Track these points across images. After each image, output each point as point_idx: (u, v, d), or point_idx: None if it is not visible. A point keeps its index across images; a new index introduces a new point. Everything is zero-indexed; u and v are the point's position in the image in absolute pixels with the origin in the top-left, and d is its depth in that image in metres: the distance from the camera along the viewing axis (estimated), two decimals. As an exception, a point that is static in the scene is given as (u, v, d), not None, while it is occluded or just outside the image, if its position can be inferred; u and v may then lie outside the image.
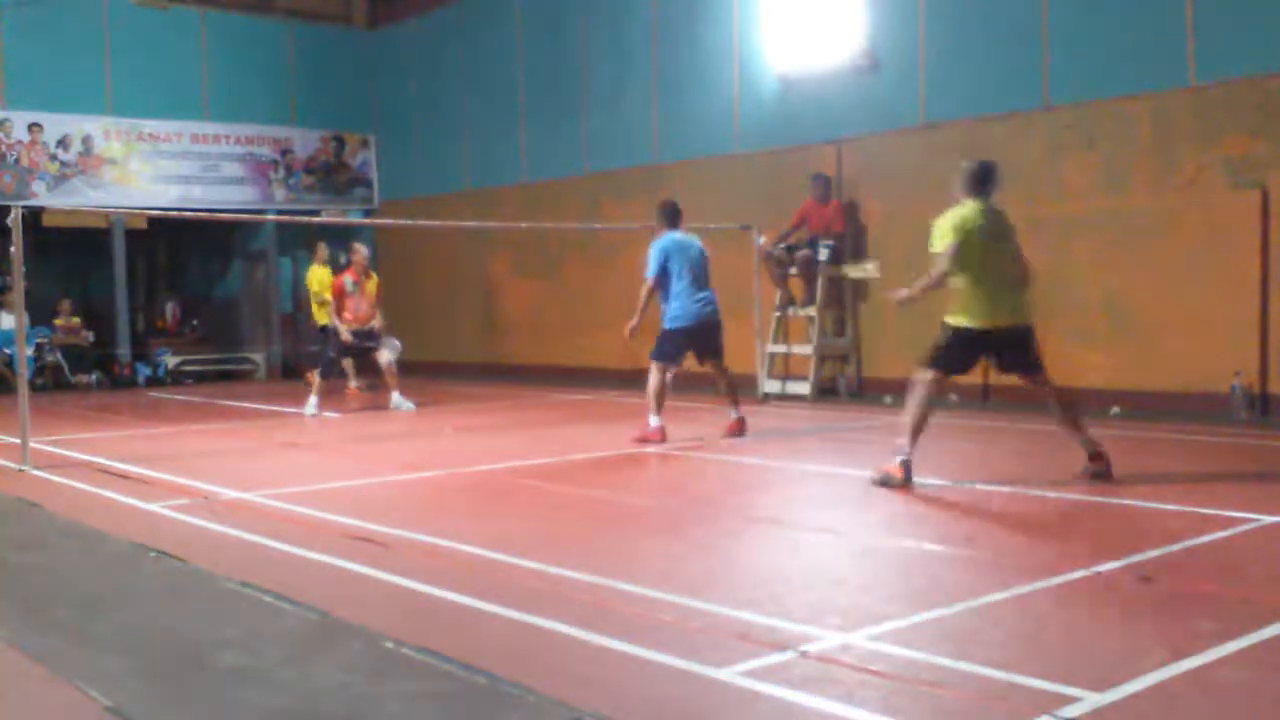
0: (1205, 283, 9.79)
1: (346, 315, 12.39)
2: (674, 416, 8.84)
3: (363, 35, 19.13)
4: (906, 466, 6.56)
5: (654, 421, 8.69)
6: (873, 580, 4.72)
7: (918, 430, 6.66)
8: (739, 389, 9.39)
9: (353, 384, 14.54)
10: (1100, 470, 6.68)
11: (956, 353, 6.75)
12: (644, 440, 8.62)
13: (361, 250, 12.80)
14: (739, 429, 9.00)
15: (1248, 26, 9.56)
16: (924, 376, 6.72)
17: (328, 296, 13.23)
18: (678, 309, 8.77)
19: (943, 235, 6.78)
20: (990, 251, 6.75)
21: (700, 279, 8.88)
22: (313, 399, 11.78)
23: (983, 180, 7.00)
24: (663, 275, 8.79)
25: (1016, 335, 6.78)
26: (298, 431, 10.55)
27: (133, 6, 16.69)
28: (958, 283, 6.68)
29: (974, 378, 11.35)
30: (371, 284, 12.58)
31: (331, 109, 18.52)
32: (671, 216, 9.10)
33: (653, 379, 8.78)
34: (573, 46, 15.52)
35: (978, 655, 3.57)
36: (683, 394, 12.94)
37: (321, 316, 14.30)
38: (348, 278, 12.47)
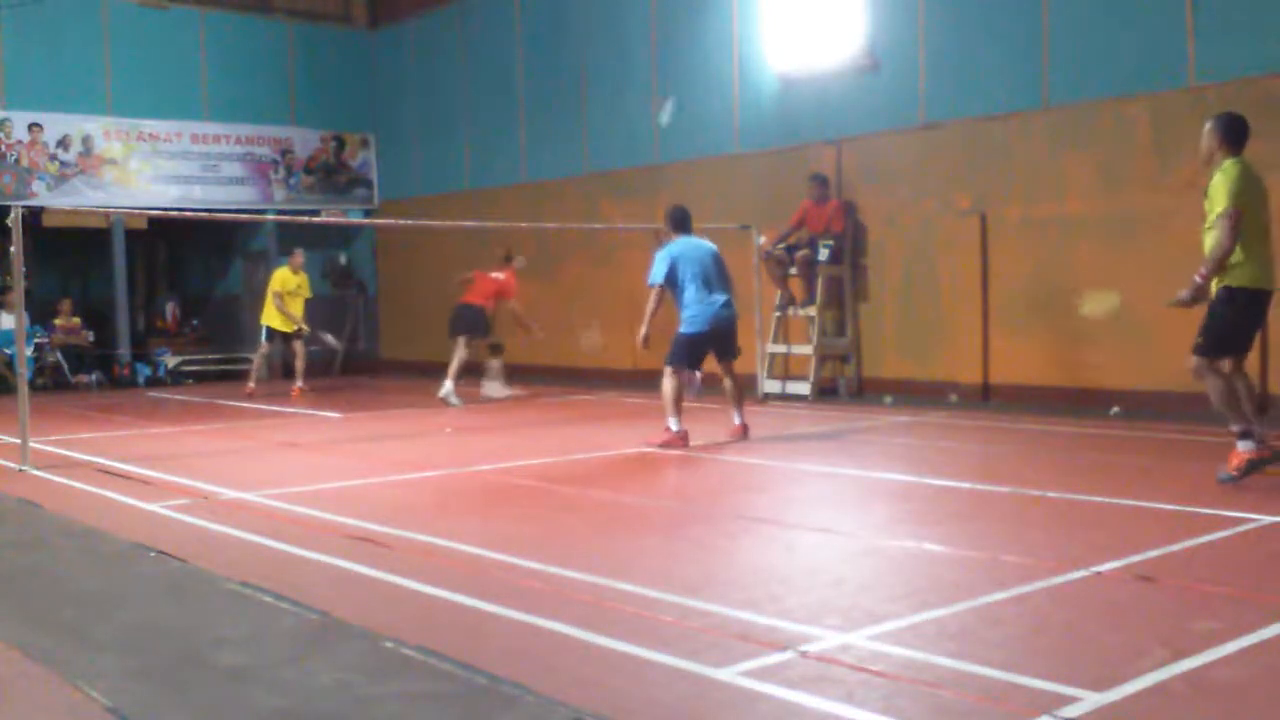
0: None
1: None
2: (683, 417, 8.81)
3: (363, 35, 19.13)
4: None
5: (674, 426, 8.50)
6: (873, 580, 4.72)
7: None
8: (744, 394, 9.31)
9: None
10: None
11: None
12: (666, 445, 8.45)
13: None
14: (743, 433, 8.92)
15: (1248, 26, 9.56)
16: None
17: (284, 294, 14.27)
18: (692, 313, 8.65)
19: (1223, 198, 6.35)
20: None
21: (712, 281, 8.72)
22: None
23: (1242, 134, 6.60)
24: (671, 281, 8.66)
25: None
26: (298, 431, 10.55)
27: (133, 6, 16.68)
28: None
29: (974, 377, 11.39)
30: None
31: (331, 109, 18.52)
32: (680, 221, 9.02)
33: (667, 383, 8.59)
34: (573, 46, 15.52)
35: (978, 655, 3.57)
36: (687, 394, 12.94)
37: (271, 318, 14.39)
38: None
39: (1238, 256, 6.33)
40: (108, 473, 7.80)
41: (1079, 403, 10.46)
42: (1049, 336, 10.85)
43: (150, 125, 16.80)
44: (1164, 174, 10.09)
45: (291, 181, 18.19)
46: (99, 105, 16.45)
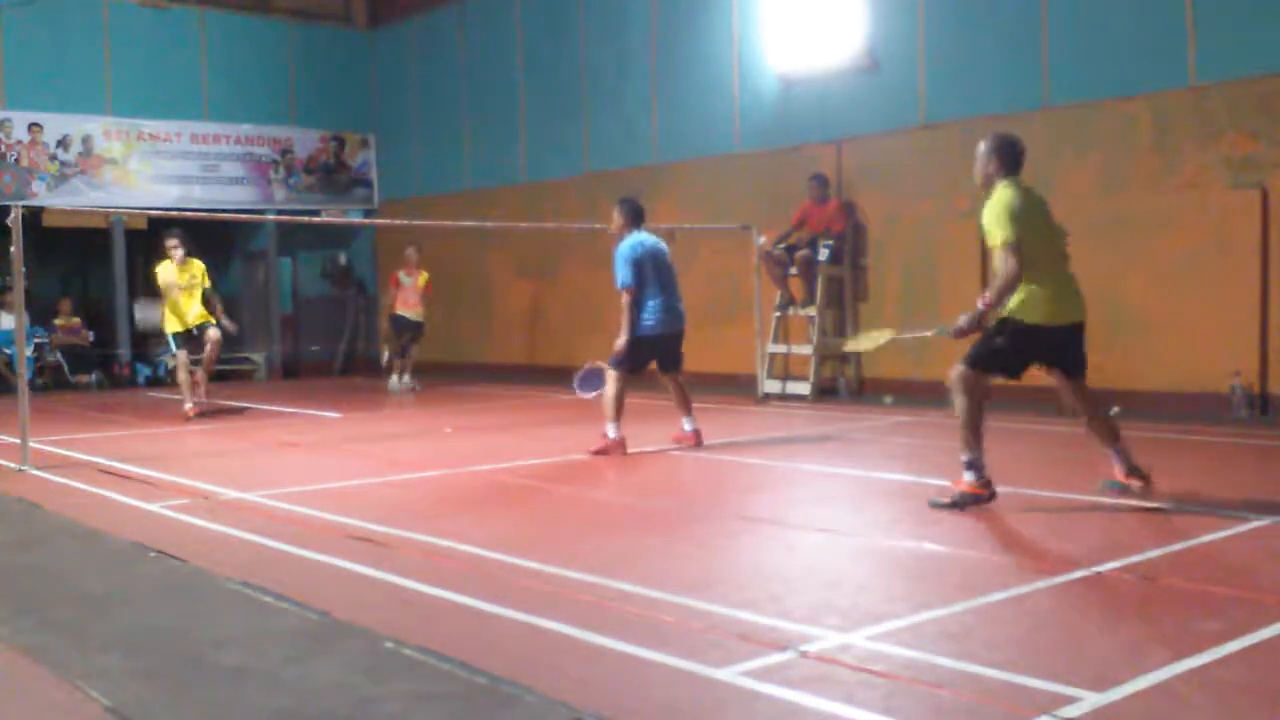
0: (1205, 283, 9.79)
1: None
2: (679, 417, 8.81)
3: (363, 35, 19.13)
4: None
5: (613, 433, 8.19)
6: (873, 580, 4.72)
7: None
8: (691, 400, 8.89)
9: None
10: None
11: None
12: (602, 452, 8.13)
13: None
14: (697, 440, 8.53)
15: (1248, 26, 9.56)
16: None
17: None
18: (648, 317, 8.30)
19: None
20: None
21: (670, 286, 8.44)
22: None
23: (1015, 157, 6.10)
24: (640, 281, 8.30)
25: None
26: (298, 431, 10.55)
27: (133, 6, 16.69)
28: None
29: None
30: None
31: (331, 109, 18.52)
32: (637, 216, 8.57)
33: (611, 388, 8.27)
34: (573, 47, 15.52)
35: (978, 655, 3.57)
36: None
37: (169, 322, 12.29)
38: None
39: (1020, 289, 5.81)
40: (108, 473, 7.80)
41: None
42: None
43: (150, 125, 16.80)
44: (1164, 174, 10.09)
45: (291, 181, 18.19)
46: (99, 105, 16.45)
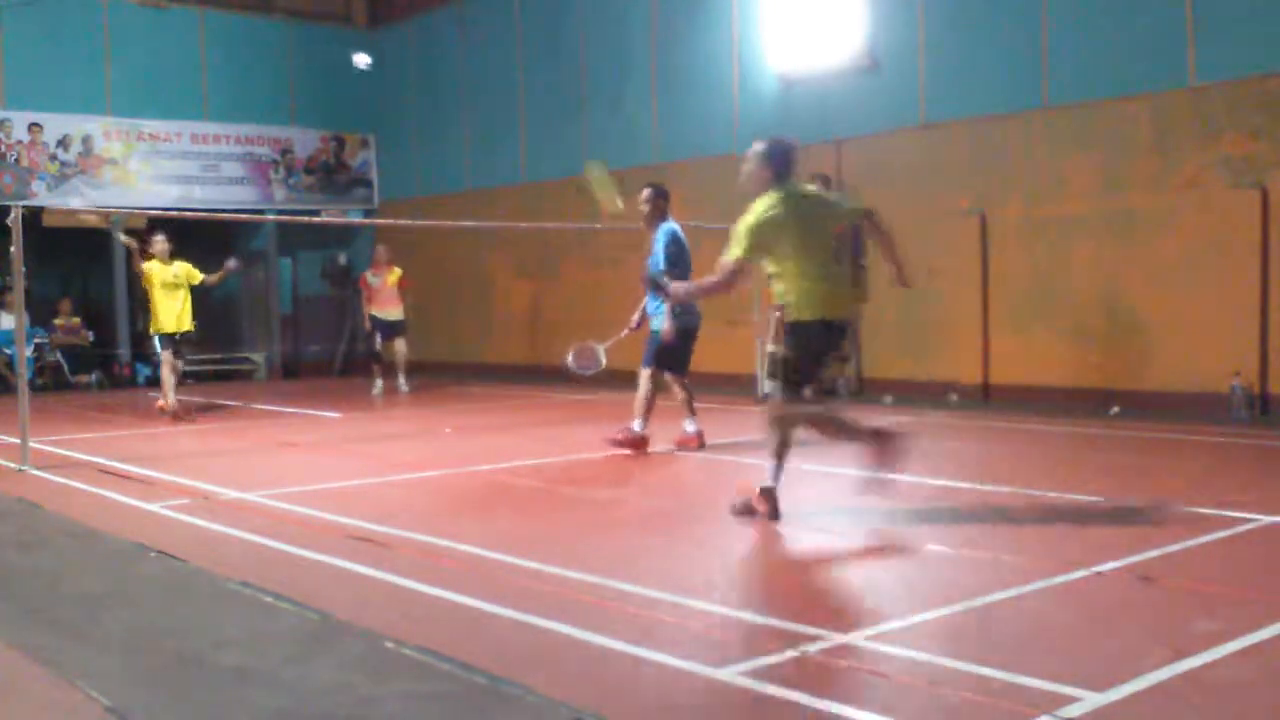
0: (1205, 283, 9.79)
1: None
2: (679, 417, 8.80)
3: (363, 35, 19.13)
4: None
5: (639, 427, 8.17)
6: (873, 580, 4.72)
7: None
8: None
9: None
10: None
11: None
12: (622, 445, 8.11)
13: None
14: (700, 443, 8.45)
15: (1248, 26, 9.56)
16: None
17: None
18: (685, 309, 8.27)
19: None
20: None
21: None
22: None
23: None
24: (680, 265, 8.20)
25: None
26: (298, 431, 10.55)
27: (133, 6, 16.69)
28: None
29: (974, 377, 11.38)
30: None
31: (331, 109, 18.52)
32: (667, 202, 8.60)
33: (647, 386, 8.22)
34: (573, 46, 15.52)
35: (978, 655, 3.57)
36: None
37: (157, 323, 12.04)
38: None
39: (792, 293, 5.85)
40: (108, 473, 7.80)
41: (1079, 403, 10.46)
42: (1049, 336, 10.85)
43: (150, 125, 16.81)
44: (1164, 174, 10.09)
45: (291, 181, 18.19)
46: (99, 105, 16.45)
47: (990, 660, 3.51)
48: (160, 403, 11.58)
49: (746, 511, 5.82)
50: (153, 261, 11.78)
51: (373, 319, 14.44)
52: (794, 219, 5.88)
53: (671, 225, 8.50)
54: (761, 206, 5.86)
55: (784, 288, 5.90)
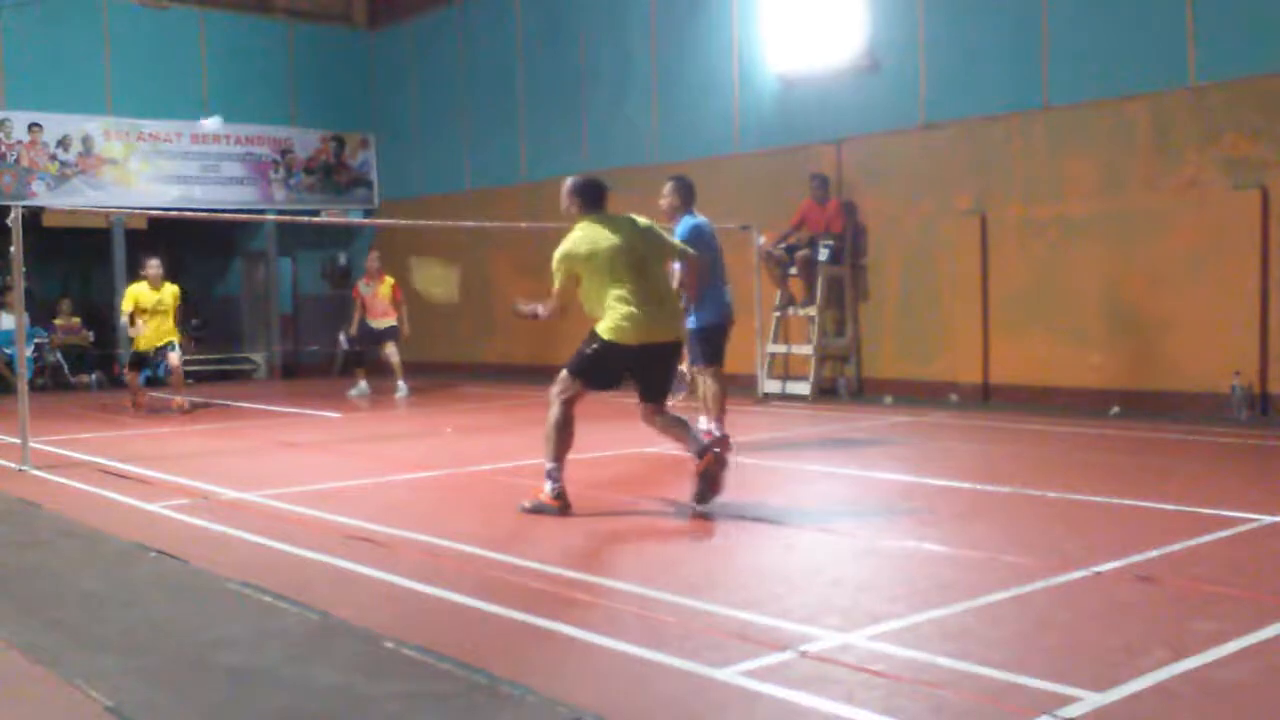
0: (1205, 283, 9.79)
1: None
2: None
3: (363, 35, 19.13)
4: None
5: (717, 430, 7.96)
6: (873, 580, 4.72)
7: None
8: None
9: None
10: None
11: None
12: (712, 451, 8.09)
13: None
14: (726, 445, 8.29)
15: (1248, 26, 9.56)
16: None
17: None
18: (715, 304, 8.12)
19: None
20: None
21: (719, 274, 8.22)
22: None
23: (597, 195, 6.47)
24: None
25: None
26: (298, 431, 10.55)
27: (133, 6, 16.69)
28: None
29: (974, 377, 11.39)
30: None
31: (331, 109, 18.52)
32: (692, 195, 8.45)
33: (714, 385, 8.07)
34: (573, 46, 15.52)
35: (978, 655, 3.57)
36: (685, 393, 12.95)
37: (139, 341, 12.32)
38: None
39: (609, 317, 6.22)
40: (108, 473, 7.80)
41: (1079, 403, 10.46)
42: (1049, 336, 10.85)
43: (150, 125, 16.81)
44: (1164, 174, 10.10)
45: (291, 181, 18.19)
46: (99, 105, 16.45)
47: (990, 660, 3.51)
48: (129, 402, 12.28)
49: (539, 511, 6.09)
50: (140, 284, 12.09)
51: (365, 327, 14.21)
52: (604, 244, 6.27)
53: (694, 218, 8.32)
54: (573, 236, 6.31)
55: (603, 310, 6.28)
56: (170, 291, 12.16)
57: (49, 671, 3.69)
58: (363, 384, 14.27)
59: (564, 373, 6.36)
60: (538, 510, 6.10)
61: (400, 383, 13.94)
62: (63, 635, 4.13)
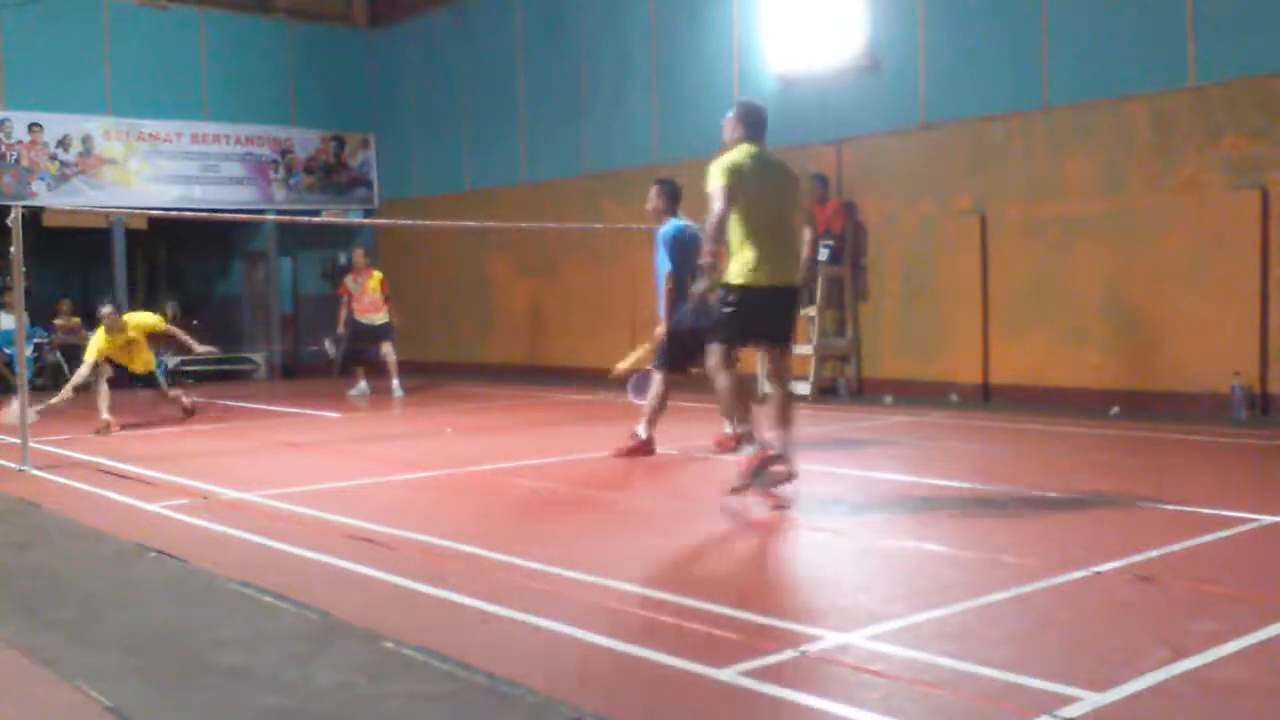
0: (1205, 283, 9.79)
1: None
2: (682, 416, 8.80)
3: (363, 35, 19.14)
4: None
5: (738, 429, 7.99)
6: (873, 580, 4.72)
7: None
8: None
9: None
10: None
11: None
12: (634, 452, 8.03)
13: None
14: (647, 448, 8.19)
15: (1248, 26, 9.56)
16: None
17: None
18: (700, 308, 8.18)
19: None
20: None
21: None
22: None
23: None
24: (680, 266, 8.04)
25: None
26: (298, 431, 10.55)
27: (133, 6, 16.69)
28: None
29: (974, 377, 11.39)
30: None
31: (331, 109, 18.52)
32: (677, 198, 8.46)
33: (660, 387, 8.18)
34: (573, 46, 15.52)
35: (978, 655, 3.57)
36: (685, 394, 12.98)
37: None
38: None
39: (741, 254, 6.14)
40: (108, 473, 7.80)
41: (1079, 403, 10.46)
42: (1049, 336, 10.85)
43: (150, 125, 16.81)
44: (1164, 174, 10.10)
45: (291, 181, 18.19)
46: (99, 105, 16.45)
47: (990, 660, 3.51)
48: (105, 418, 10.57)
49: (756, 476, 5.99)
50: (98, 334, 10.90)
51: (356, 324, 14.10)
52: (761, 177, 6.21)
53: (679, 221, 8.34)
54: (734, 155, 6.21)
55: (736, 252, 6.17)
56: (134, 326, 11.05)
57: (49, 671, 3.69)
58: (362, 384, 14.20)
59: (712, 345, 6.30)
60: (755, 475, 5.97)
61: (395, 382, 13.81)
62: (63, 635, 4.13)
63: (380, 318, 14.09)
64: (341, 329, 14.27)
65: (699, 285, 6.23)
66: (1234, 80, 9.62)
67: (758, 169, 6.20)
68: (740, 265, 6.15)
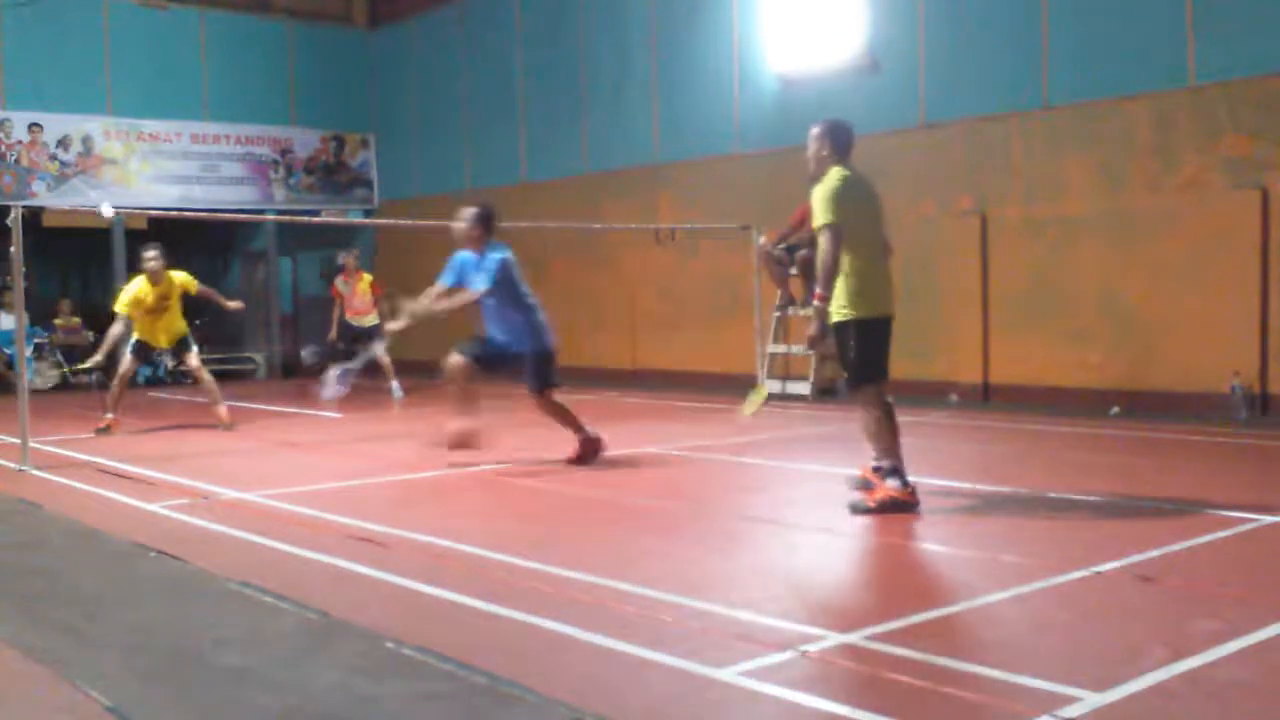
0: (1205, 283, 9.79)
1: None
2: (683, 417, 8.80)
3: (363, 35, 19.14)
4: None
5: (590, 432, 7.91)
6: (873, 580, 4.72)
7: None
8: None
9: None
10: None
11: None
12: (581, 458, 7.86)
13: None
14: (599, 447, 8.04)
15: (1248, 26, 9.57)
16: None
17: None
18: (544, 328, 8.12)
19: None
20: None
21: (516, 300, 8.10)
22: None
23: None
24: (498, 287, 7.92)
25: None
26: (298, 431, 10.55)
27: (133, 6, 16.69)
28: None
29: (974, 377, 11.39)
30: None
31: (331, 109, 18.52)
32: (495, 223, 8.32)
33: (555, 400, 8.01)
34: (573, 46, 15.52)
35: (978, 655, 3.57)
36: (686, 394, 12.96)
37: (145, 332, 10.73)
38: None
39: (853, 285, 5.86)
40: (108, 473, 7.80)
41: (1079, 403, 10.46)
42: (1049, 336, 10.85)
43: (150, 125, 16.81)
44: (1164, 174, 10.10)
45: (291, 181, 18.19)
46: (99, 105, 16.45)
47: (990, 660, 3.51)
48: (109, 417, 10.34)
49: (889, 510, 5.78)
50: (139, 280, 10.52)
51: (347, 326, 13.95)
52: (861, 199, 6.04)
53: (504, 249, 8.15)
54: (834, 181, 5.94)
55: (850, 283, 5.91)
56: (178, 282, 10.63)
57: (49, 671, 3.69)
58: (331, 383, 13.91)
59: (857, 385, 6.14)
60: (885, 508, 5.75)
61: (393, 384, 13.60)
62: (63, 635, 4.13)
63: (371, 319, 13.93)
64: (334, 332, 14.12)
65: (813, 329, 5.95)
66: (1234, 80, 9.63)
67: (856, 195, 5.99)
68: (857, 298, 5.88)
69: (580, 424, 8.00)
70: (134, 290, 10.50)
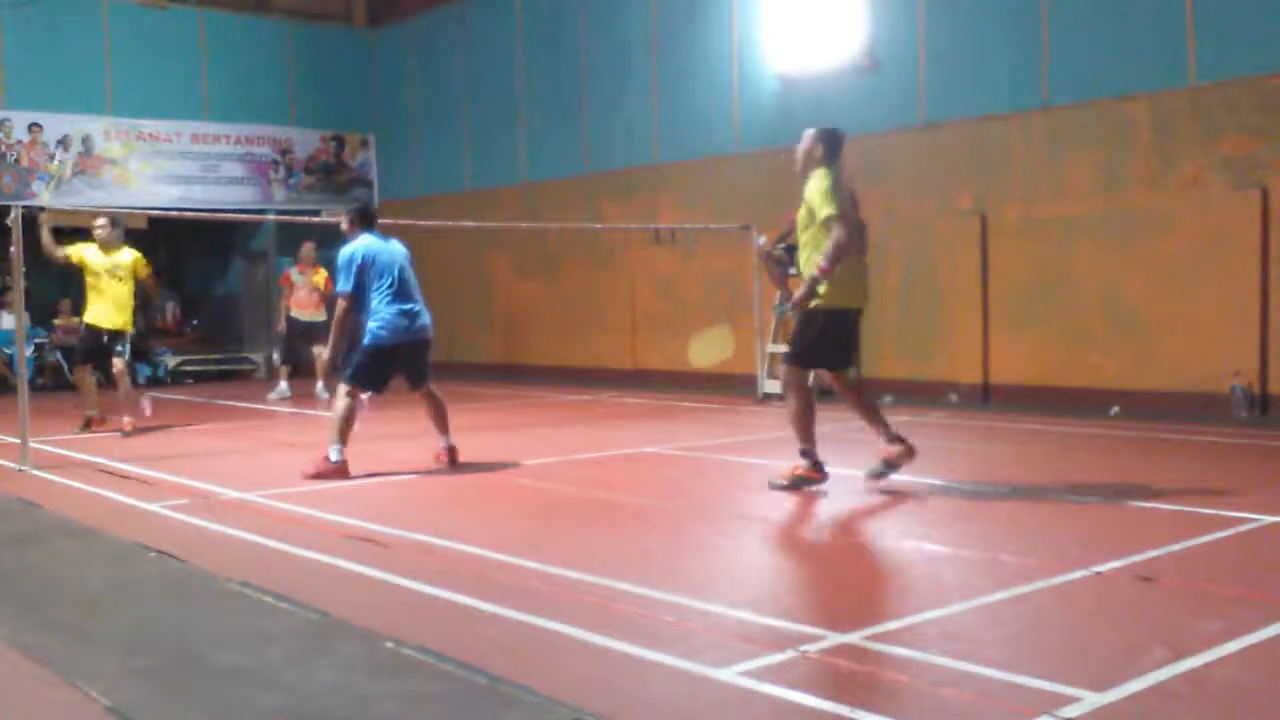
0: (1205, 283, 9.79)
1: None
2: (683, 417, 8.81)
3: (363, 35, 19.13)
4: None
5: (335, 455, 7.39)
6: (873, 580, 4.72)
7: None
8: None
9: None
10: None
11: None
12: (321, 476, 7.30)
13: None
14: (450, 458, 7.86)
15: (1248, 26, 9.57)
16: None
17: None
18: (383, 322, 7.60)
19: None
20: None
21: (410, 288, 7.73)
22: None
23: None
24: (360, 287, 7.63)
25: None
26: (298, 431, 10.55)
27: (133, 6, 16.69)
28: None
29: (974, 377, 11.39)
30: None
31: (331, 109, 18.52)
32: (369, 217, 7.98)
33: (341, 404, 7.56)
34: (573, 46, 15.52)
35: (978, 655, 3.57)
36: (686, 394, 12.96)
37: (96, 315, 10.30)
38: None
39: (833, 275, 6.24)
40: (108, 473, 7.80)
41: (1079, 403, 10.46)
42: (1049, 336, 10.85)
43: (150, 125, 16.81)
44: (1164, 174, 10.10)
45: (291, 181, 18.19)
46: (99, 105, 16.45)
47: (990, 660, 3.51)
48: (91, 414, 10.34)
49: (798, 486, 6.52)
50: (89, 244, 10.10)
51: (290, 320, 13.63)
52: (848, 197, 6.41)
53: (366, 244, 7.78)
54: (828, 176, 6.31)
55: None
56: (129, 258, 10.19)
57: (49, 671, 3.69)
58: (283, 385, 13.58)
59: (788, 366, 6.63)
60: (796, 485, 6.49)
61: (320, 384, 13.07)
62: (62, 635, 4.13)
63: (317, 316, 13.48)
64: (282, 324, 13.75)
65: (803, 291, 6.34)
66: (1234, 80, 9.63)
67: (845, 191, 6.36)
68: (833, 287, 6.29)
69: (349, 438, 7.59)
70: (85, 250, 10.09)
